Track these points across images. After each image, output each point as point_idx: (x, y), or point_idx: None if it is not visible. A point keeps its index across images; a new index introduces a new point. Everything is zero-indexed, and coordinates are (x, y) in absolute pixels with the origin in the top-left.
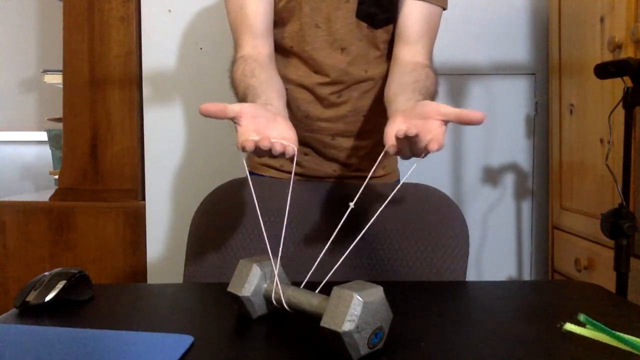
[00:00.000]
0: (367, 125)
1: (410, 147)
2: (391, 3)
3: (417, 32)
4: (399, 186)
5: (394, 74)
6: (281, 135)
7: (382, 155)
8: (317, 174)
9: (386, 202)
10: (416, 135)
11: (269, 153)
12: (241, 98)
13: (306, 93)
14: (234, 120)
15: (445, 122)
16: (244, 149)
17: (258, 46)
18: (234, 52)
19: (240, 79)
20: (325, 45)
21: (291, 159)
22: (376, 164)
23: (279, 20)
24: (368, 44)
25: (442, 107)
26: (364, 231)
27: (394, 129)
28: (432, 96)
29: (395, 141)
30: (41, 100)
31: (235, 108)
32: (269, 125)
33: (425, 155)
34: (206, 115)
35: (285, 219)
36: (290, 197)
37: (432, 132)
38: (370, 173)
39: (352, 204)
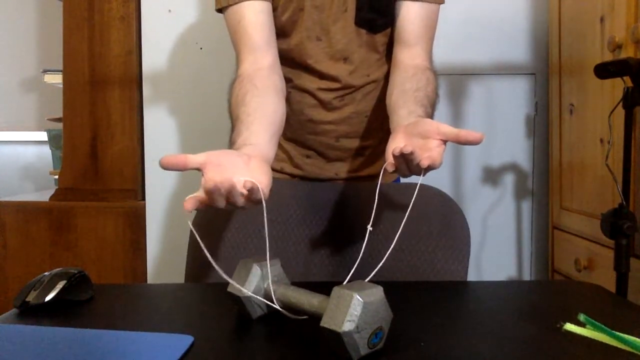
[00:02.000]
0: (370, 125)
1: (407, 164)
2: (388, 7)
3: (416, 34)
4: (416, 191)
5: (395, 79)
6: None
7: (381, 174)
8: (318, 177)
9: (408, 212)
10: (412, 153)
11: (226, 198)
12: (232, 127)
13: (309, 97)
14: (199, 170)
15: (444, 142)
16: (185, 208)
17: (258, 59)
18: (235, 68)
19: (233, 106)
20: (327, 57)
21: (258, 202)
22: (378, 186)
23: (282, 33)
24: (368, 49)
25: (442, 127)
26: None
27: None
28: (434, 103)
29: (393, 159)
30: (41, 100)
31: (197, 159)
32: (237, 172)
33: (425, 173)
34: (166, 169)
35: (265, 224)
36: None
37: (430, 150)
38: (379, 182)
39: (369, 227)
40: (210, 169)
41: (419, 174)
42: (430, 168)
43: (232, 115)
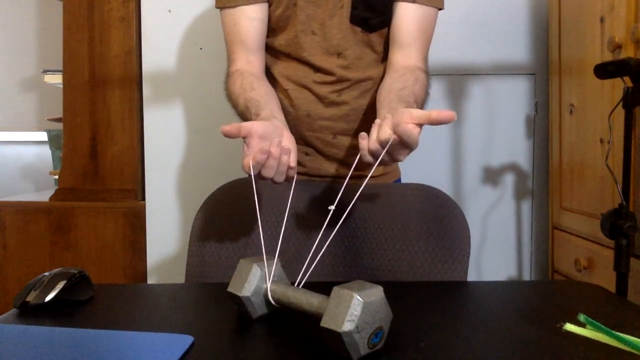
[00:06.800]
0: (367, 123)
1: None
2: (385, 7)
3: (411, 36)
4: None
5: (385, 80)
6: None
7: (357, 160)
8: (319, 173)
9: (353, 200)
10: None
11: (274, 166)
12: (241, 110)
13: (307, 92)
14: (244, 139)
15: (420, 125)
16: (246, 167)
17: (251, 61)
18: (227, 65)
19: (238, 92)
20: (320, 51)
21: (290, 179)
22: (355, 165)
23: (276, 28)
24: (364, 48)
25: (414, 112)
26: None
27: None
28: (422, 101)
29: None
30: (41, 100)
31: (247, 126)
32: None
33: (398, 155)
34: (227, 136)
35: (285, 220)
36: (292, 198)
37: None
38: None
39: (332, 207)
40: (254, 140)
41: (398, 160)
42: (406, 146)
43: (239, 100)
